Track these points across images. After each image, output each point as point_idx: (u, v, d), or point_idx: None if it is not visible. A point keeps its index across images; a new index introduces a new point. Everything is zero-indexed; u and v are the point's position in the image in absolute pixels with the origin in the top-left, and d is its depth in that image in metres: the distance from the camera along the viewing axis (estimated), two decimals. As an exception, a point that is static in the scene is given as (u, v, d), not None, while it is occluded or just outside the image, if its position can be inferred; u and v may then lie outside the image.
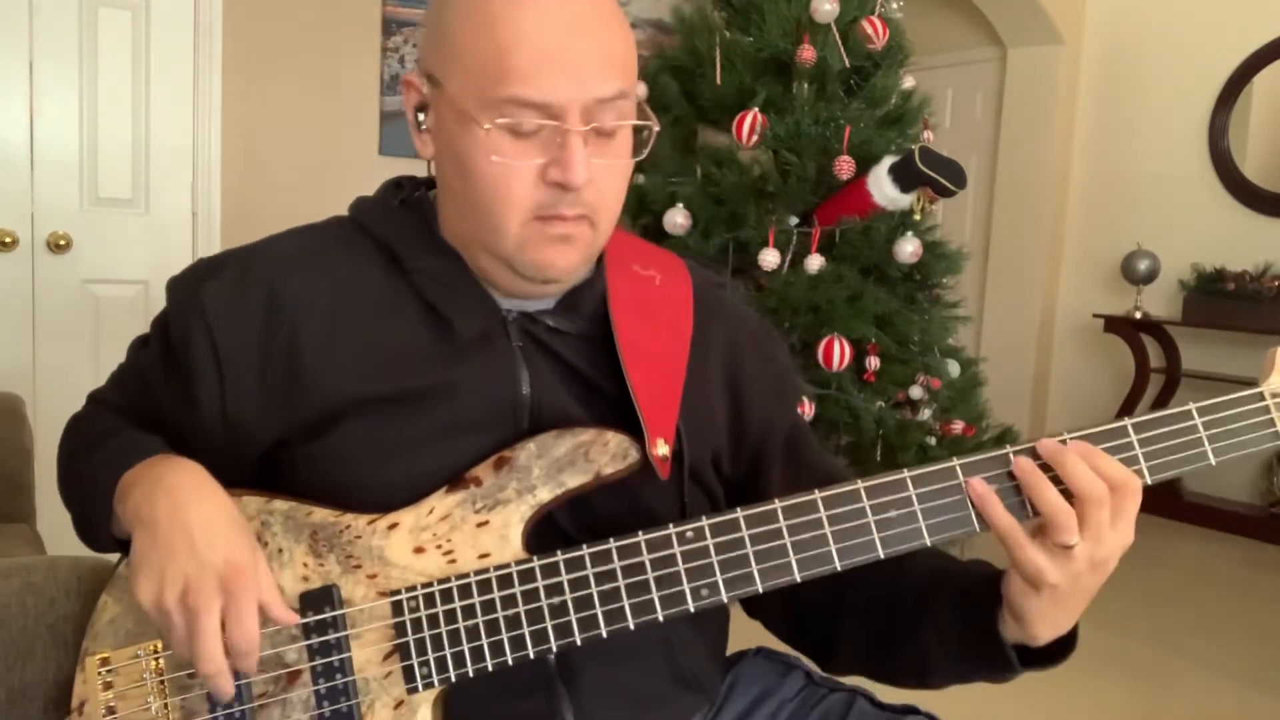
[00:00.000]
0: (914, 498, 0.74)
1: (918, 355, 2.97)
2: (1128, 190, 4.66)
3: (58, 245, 3.00)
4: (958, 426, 3.02)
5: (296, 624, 0.75)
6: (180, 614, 0.71)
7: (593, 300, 0.86)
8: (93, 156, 3.06)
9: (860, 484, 0.75)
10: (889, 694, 0.92)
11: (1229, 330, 4.17)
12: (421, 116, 0.81)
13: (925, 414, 3.02)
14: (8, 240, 2.93)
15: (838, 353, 2.73)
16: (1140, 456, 0.74)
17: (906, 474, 0.74)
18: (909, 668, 0.85)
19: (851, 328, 2.79)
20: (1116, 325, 4.46)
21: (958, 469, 0.74)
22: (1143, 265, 4.29)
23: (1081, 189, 4.84)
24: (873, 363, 2.84)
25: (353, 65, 3.56)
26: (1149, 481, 0.74)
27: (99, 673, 0.77)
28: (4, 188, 2.93)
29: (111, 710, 0.77)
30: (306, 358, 0.79)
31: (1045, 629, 0.74)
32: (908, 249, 2.83)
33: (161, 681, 0.77)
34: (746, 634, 1.03)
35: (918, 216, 2.88)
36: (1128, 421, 0.74)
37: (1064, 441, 0.73)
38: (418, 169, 0.92)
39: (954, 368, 3.09)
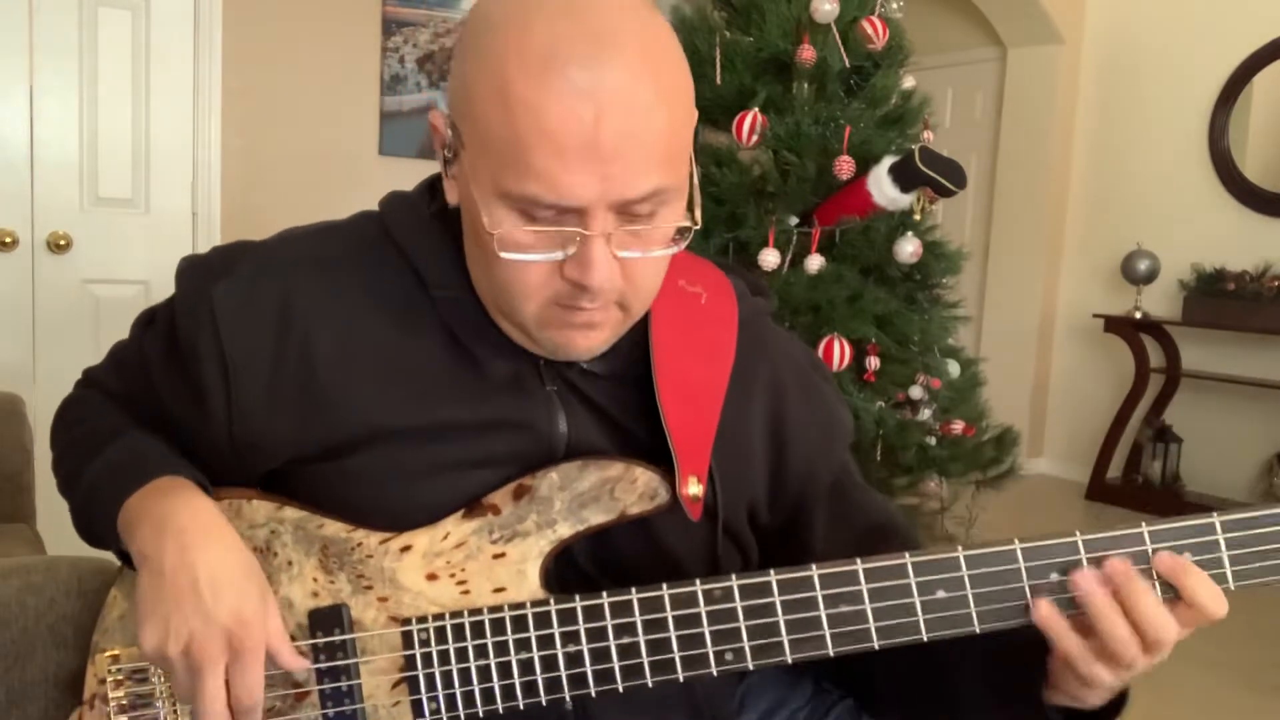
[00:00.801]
0: (966, 579, 0.69)
1: (918, 355, 2.97)
2: (1128, 190, 4.65)
3: (58, 245, 3.00)
4: (958, 426, 3.02)
5: (307, 669, 0.73)
6: (184, 668, 0.70)
7: (633, 336, 0.78)
8: (93, 156, 3.06)
9: (909, 558, 0.69)
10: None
11: (1229, 330, 4.17)
12: (451, 161, 0.72)
13: (925, 414, 3.02)
14: (8, 240, 2.93)
15: (838, 353, 2.73)
16: (1226, 559, 0.67)
17: (960, 553, 0.69)
18: None
19: (851, 328, 2.79)
20: (1116, 325, 4.46)
21: (1018, 553, 0.69)
22: (1143, 265, 4.29)
23: (1081, 189, 4.84)
24: (873, 363, 2.84)
25: (353, 65, 3.56)
26: (1232, 588, 0.68)
27: (109, 670, 0.77)
28: (4, 188, 2.93)
29: (122, 708, 0.76)
30: (322, 376, 0.76)
31: (1098, 700, 0.71)
32: (908, 249, 2.82)
33: (170, 686, 0.76)
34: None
35: (918, 216, 2.88)
36: (1216, 519, 0.67)
37: (1144, 535, 0.67)
38: (418, 170, 0.89)
39: (954, 368, 3.08)
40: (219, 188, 3.28)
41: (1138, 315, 4.37)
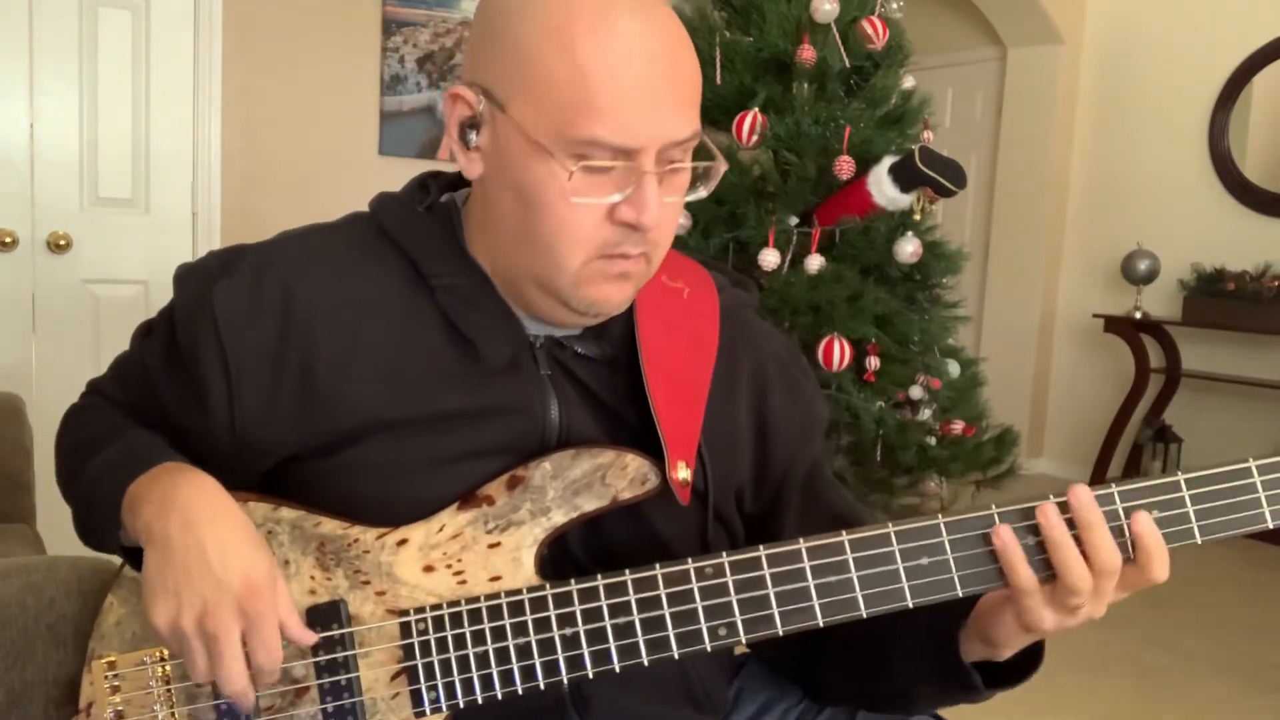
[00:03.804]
0: (947, 544, 0.70)
1: (918, 355, 2.97)
2: (1128, 190, 4.65)
3: (58, 245, 3.00)
4: (958, 426, 3.02)
5: (312, 642, 0.74)
6: (199, 638, 0.70)
7: (621, 323, 0.82)
8: (93, 156, 3.06)
9: (891, 527, 0.71)
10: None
11: (1229, 330, 4.17)
12: (472, 134, 0.75)
13: (925, 414, 3.01)
14: (8, 240, 2.93)
15: (838, 353, 2.73)
16: (1192, 514, 0.70)
17: (941, 520, 0.71)
18: (889, 695, 0.83)
19: (851, 328, 2.79)
20: (1116, 325, 4.46)
21: (995, 517, 0.70)
22: (1143, 265, 4.28)
23: (1081, 189, 4.84)
24: (873, 363, 2.84)
25: (353, 65, 3.56)
26: (1199, 542, 0.71)
27: (105, 676, 0.77)
28: (4, 188, 2.93)
29: (119, 715, 0.76)
30: (323, 372, 0.76)
31: (1013, 650, 0.74)
32: (908, 249, 2.82)
33: (168, 689, 0.76)
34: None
35: (918, 216, 2.88)
36: (1181, 476, 0.70)
37: (1112, 495, 0.69)
38: (418, 171, 0.89)
39: (954, 368, 3.08)
40: (219, 188, 3.28)
41: (1138, 315, 4.37)
